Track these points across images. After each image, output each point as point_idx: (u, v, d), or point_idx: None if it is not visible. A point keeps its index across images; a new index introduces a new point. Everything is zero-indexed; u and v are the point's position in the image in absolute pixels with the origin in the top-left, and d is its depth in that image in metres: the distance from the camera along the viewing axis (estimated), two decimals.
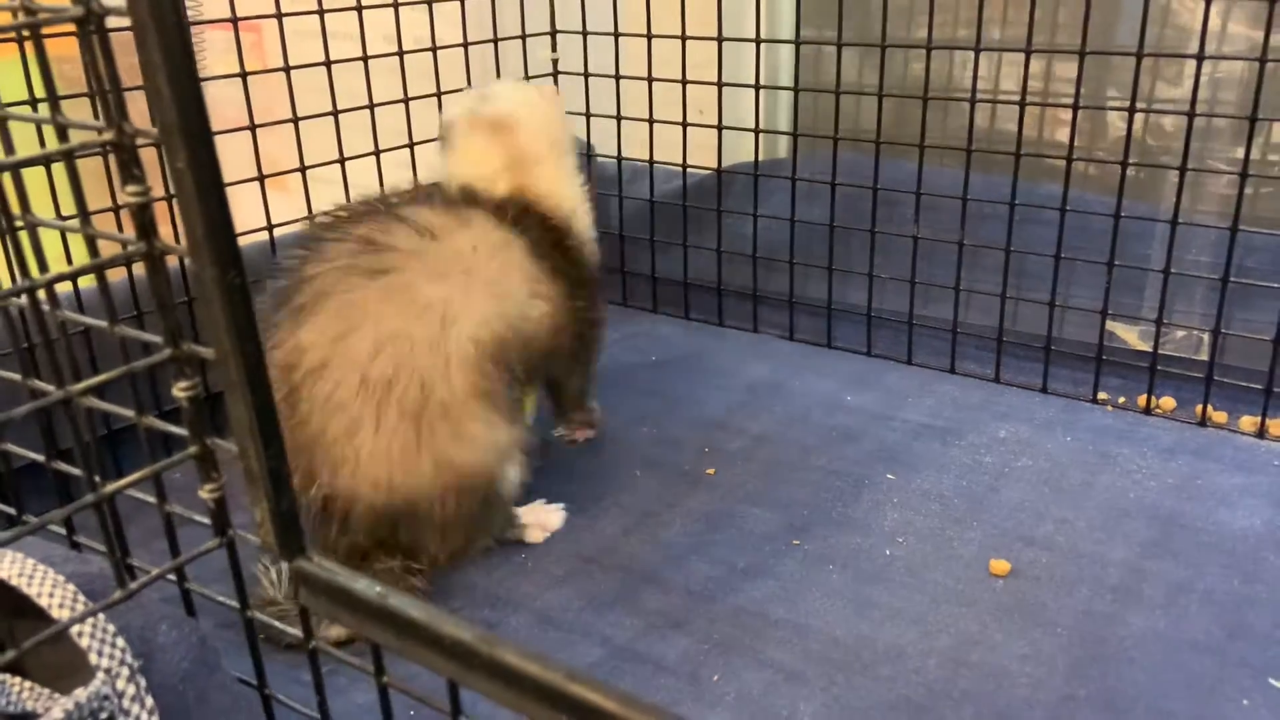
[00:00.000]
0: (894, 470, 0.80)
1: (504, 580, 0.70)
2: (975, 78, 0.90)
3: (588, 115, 1.13)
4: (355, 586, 0.36)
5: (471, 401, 0.66)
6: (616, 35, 1.06)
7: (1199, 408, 0.88)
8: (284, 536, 0.39)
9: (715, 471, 0.81)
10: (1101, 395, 0.92)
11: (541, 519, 0.75)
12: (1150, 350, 0.89)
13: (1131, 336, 0.93)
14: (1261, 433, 0.85)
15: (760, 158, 1.07)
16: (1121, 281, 0.89)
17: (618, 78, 1.08)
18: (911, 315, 0.99)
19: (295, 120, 0.90)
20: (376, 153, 0.97)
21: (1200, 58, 0.79)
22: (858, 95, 0.96)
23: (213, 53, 1.27)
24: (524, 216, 0.75)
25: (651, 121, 1.08)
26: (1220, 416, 0.87)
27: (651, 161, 1.10)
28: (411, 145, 1.00)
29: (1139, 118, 0.83)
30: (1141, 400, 0.90)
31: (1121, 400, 0.91)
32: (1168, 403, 0.90)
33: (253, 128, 0.87)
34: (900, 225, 0.97)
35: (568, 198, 0.81)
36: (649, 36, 1.04)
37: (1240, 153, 0.80)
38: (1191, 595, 0.64)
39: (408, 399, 0.64)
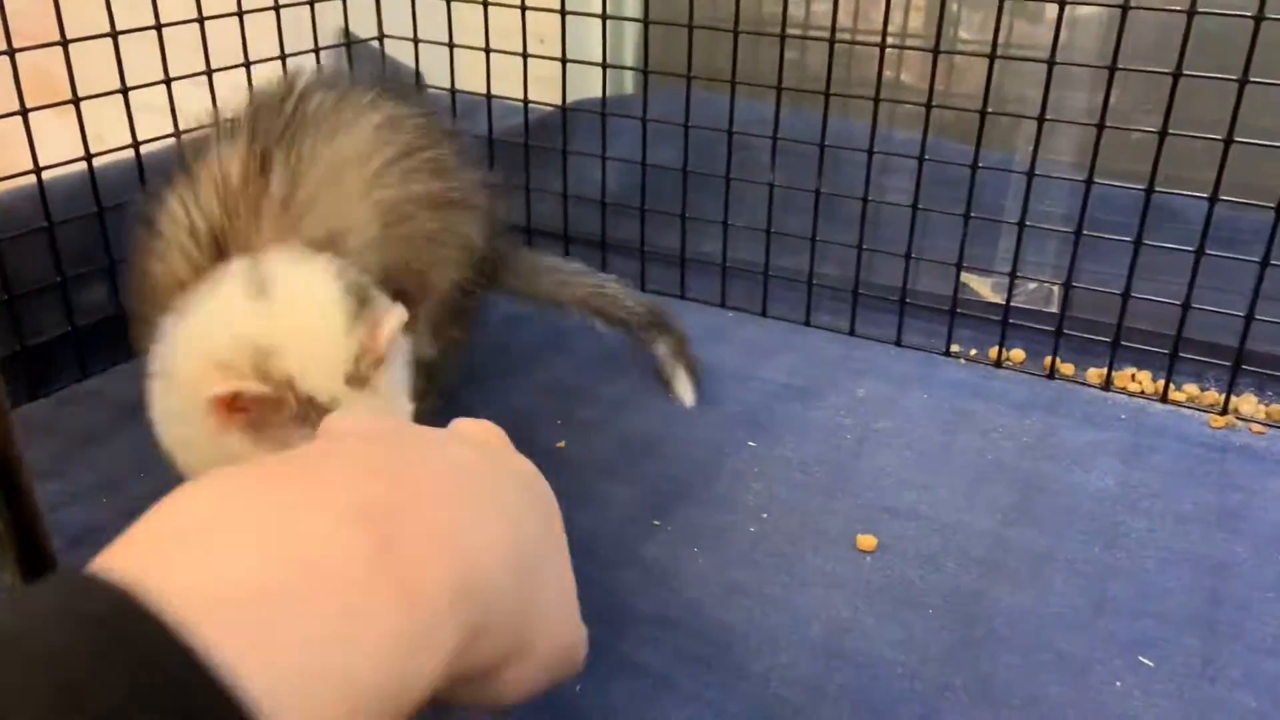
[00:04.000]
0: (755, 437, 0.76)
1: None
2: (835, 16, 0.85)
3: (415, 41, 1.02)
4: None
5: None
6: None
7: (1048, 360, 0.88)
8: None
9: (566, 444, 0.75)
10: (954, 348, 0.91)
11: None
12: (1003, 303, 0.88)
13: (984, 289, 0.92)
14: (1107, 384, 0.85)
15: (607, 94, 0.99)
16: (976, 233, 0.87)
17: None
18: (767, 266, 0.95)
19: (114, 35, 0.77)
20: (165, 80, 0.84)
21: (1062, 1, 0.77)
22: (711, 31, 0.89)
23: None
24: None
25: (488, 51, 0.98)
26: (1068, 369, 0.88)
27: (489, 95, 1.00)
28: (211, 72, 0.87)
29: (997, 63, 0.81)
30: (993, 353, 0.90)
31: (973, 353, 0.90)
32: (1018, 355, 0.90)
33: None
34: (756, 171, 0.92)
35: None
36: None
37: (1098, 101, 0.78)
38: (1055, 566, 0.63)
39: None
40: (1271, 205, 0.75)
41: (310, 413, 0.51)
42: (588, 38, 0.99)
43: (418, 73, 1.04)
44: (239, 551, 0.27)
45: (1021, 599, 0.61)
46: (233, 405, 0.51)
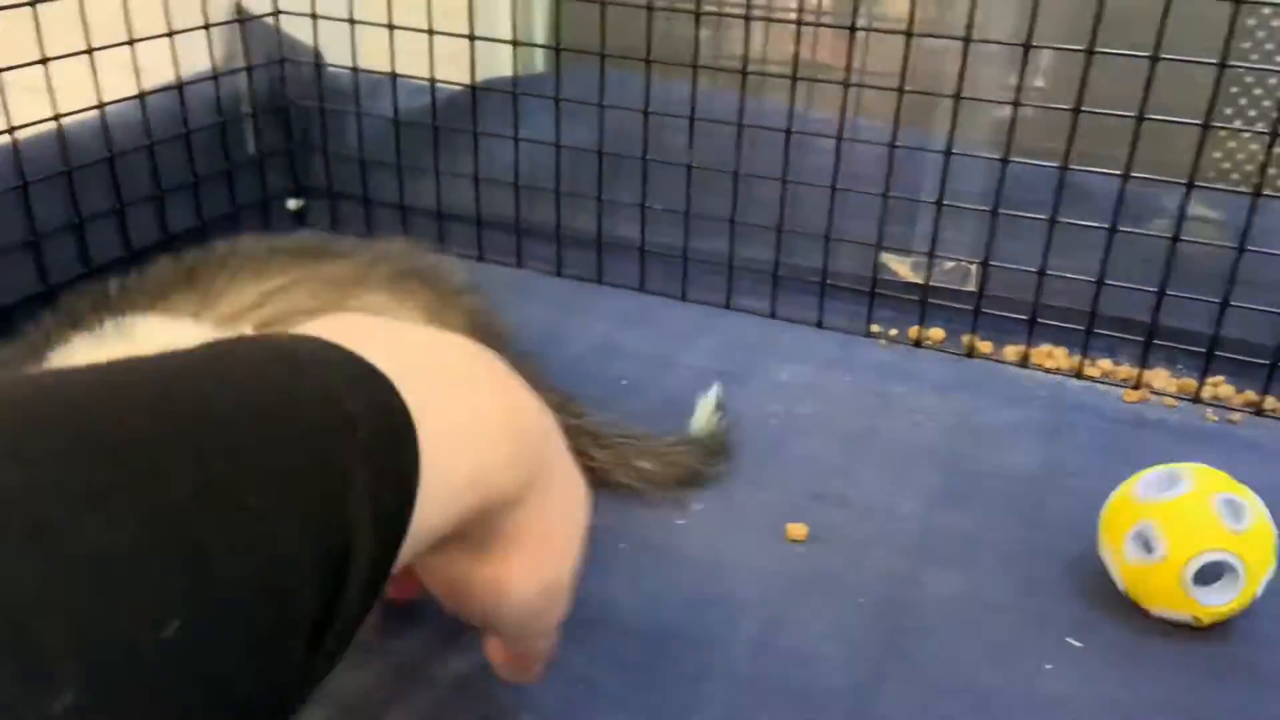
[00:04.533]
0: (679, 426, 0.75)
1: None
2: None
3: (314, 17, 0.97)
4: None
5: None
6: None
7: (967, 338, 0.88)
8: None
9: None
10: (874, 328, 0.90)
11: None
12: (922, 282, 0.88)
13: (904, 268, 0.92)
14: (1024, 362, 0.86)
15: (520, 73, 0.96)
16: (895, 212, 0.87)
17: None
18: (686, 249, 0.93)
19: None
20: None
21: None
22: (625, 7, 0.87)
23: None
24: None
25: (391, 27, 0.93)
26: (986, 347, 0.88)
27: (394, 74, 0.96)
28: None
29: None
30: (913, 332, 0.90)
31: (893, 333, 0.90)
32: (937, 334, 0.90)
33: None
34: (673, 152, 0.90)
35: None
36: None
37: (1013, 79, 0.78)
38: (982, 549, 0.63)
39: None
40: (1183, 181, 0.76)
41: None
42: (497, 14, 0.95)
43: (316, 51, 0.99)
44: (409, 340, 0.37)
45: (950, 584, 0.60)
46: None
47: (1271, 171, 0.82)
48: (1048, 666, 0.54)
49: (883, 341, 0.89)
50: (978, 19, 0.78)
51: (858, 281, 0.90)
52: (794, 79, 0.84)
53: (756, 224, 0.90)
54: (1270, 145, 0.74)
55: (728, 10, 0.85)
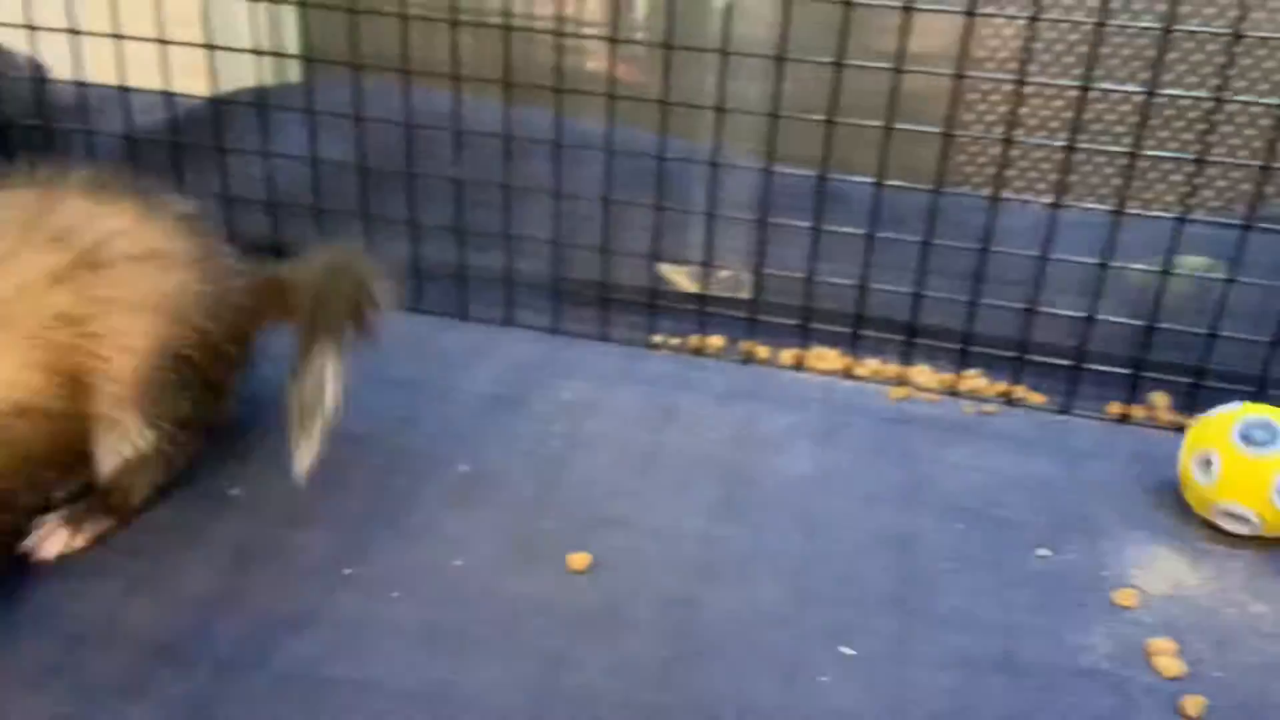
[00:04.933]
0: (457, 456, 0.72)
1: None
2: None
3: (31, 28, 0.87)
4: None
5: None
6: None
7: (744, 345, 0.89)
8: None
9: (239, 490, 0.67)
10: (656, 339, 0.90)
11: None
12: (699, 292, 0.89)
13: (681, 278, 0.92)
14: (800, 365, 0.88)
15: (272, 84, 0.90)
16: (669, 223, 0.87)
17: None
18: (463, 266, 0.90)
19: None
20: None
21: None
22: (377, 15, 0.82)
23: None
24: None
25: (119, 37, 0.85)
26: (763, 352, 0.90)
27: (123, 88, 0.88)
28: None
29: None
30: (693, 341, 0.90)
31: (675, 342, 0.91)
32: (716, 342, 0.91)
33: None
34: (440, 166, 0.87)
35: None
36: None
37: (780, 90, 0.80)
38: (760, 562, 0.64)
39: None
40: (929, 188, 0.80)
41: None
42: (237, 20, 0.89)
43: (37, 65, 0.90)
44: None
45: (730, 602, 0.60)
46: None
47: (1011, 173, 0.87)
48: (822, 678, 0.55)
49: (664, 352, 0.90)
50: (738, 32, 0.79)
51: (637, 293, 0.90)
52: (558, 90, 0.83)
53: (533, 237, 0.88)
54: (1005, 151, 0.79)
55: (489, 20, 0.82)
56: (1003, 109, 0.88)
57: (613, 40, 0.81)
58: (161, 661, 0.54)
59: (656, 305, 0.90)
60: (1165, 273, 0.78)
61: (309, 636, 0.56)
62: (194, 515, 0.64)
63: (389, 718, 0.51)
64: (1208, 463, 0.67)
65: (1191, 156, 0.78)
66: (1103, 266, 0.79)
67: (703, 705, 0.53)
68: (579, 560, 0.63)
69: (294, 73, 1.01)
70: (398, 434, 0.74)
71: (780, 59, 0.78)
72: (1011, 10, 0.85)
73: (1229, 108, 0.82)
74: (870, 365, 0.88)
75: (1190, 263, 0.80)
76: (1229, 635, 0.60)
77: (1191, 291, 0.81)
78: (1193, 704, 0.54)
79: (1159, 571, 0.65)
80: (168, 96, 0.88)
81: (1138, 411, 0.83)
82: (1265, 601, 0.63)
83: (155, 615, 0.57)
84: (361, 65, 0.84)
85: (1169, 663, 0.57)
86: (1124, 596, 0.62)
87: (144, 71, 0.87)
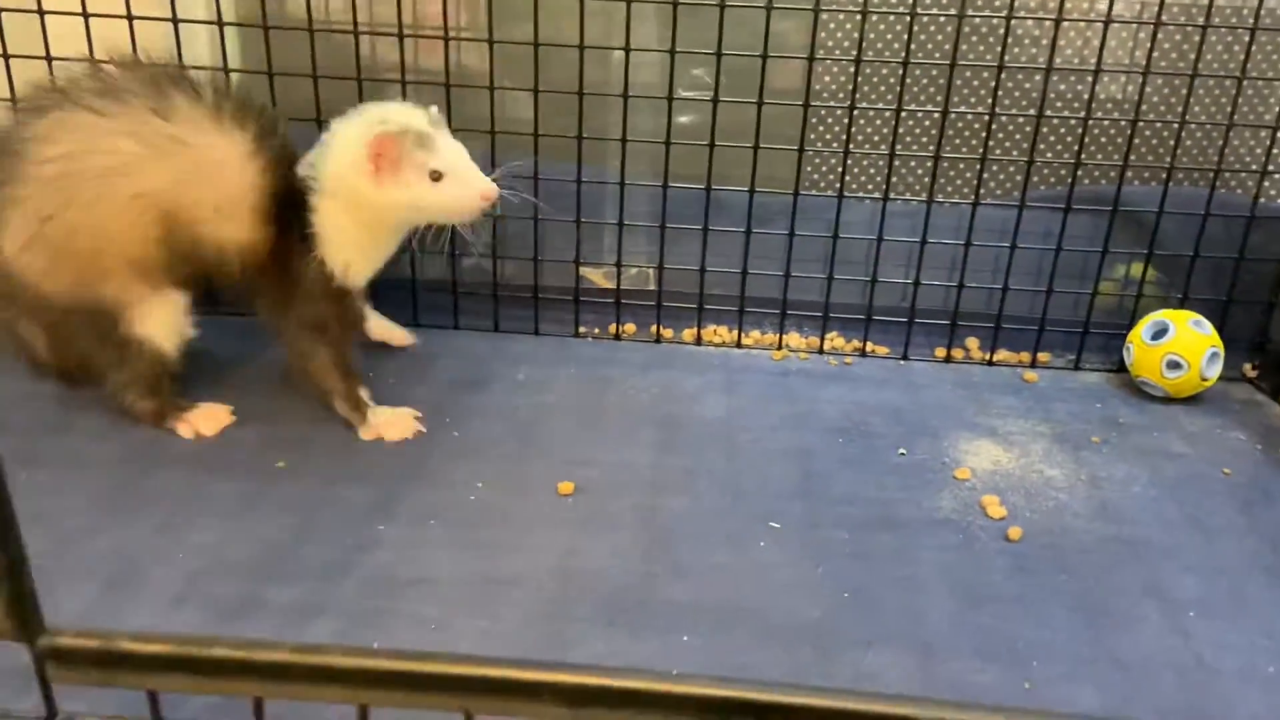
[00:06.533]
0: (449, 427, 0.90)
1: (120, 606, 0.65)
2: (355, 10, 0.98)
3: None
4: (119, 645, 0.37)
5: (120, 248, 0.79)
6: None
7: (653, 328, 1.10)
8: (25, 619, 0.38)
9: (284, 462, 0.83)
10: (582, 329, 1.10)
11: (200, 418, 0.87)
12: (614, 288, 1.09)
13: (599, 278, 1.12)
14: (699, 341, 1.10)
15: None
16: (587, 234, 1.07)
17: None
18: (414, 280, 1.07)
19: None
20: None
21: (627, 50, 0.98)
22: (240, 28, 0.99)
23: None
24: (283, 179, 0.84)
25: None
26: (669, 333, 1.11)
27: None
28: None
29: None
30: (612, 329, 1.11)
31: (597, 331, 1.11)
32: (630, 328, 1.12)
33: None
34: None
35: (337, 240, 0.85)
36: None
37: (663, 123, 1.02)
38: (699, 478, 0.85)
39: (62, 224, 0.78)
40: (789, 192, 1.03)
41: (420, 139, 0.82)
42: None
43: None
44: None
45: (684, 505, 0.81)
46: (379, 151, 0.80)
47: (848, 177, 1.12)
48: (761, 544, 0.76)
49: (590, 339, 1.09)
50: (634, 79, 1.00)
51: (563, 293, 1.09)
52: (492, 133, 1.02)
53: (472, 253, 1.07)
54: (845, 159, 1.04)
55: (336, 26, 0.99)
56: (838, 129, 1.12)
57: (536, 90, 1.01)
58: (269, 581, 0.70)
59: (581, 301, 1.10)
60: (968, 245, 1.04)
61: (377, 554, 0.73)
62: (252, 486, 0.80)
63: (450, 598, 0.69)
64: (1129, 350, 1.02)
65: (978, 157, 1.04)
66: (922, 244, 1.04)
67: (679, 570, 0.73)
68: (566, 487, 0.82)
69: None
70: (360, 456, 0.91)
71: (670, 98, 1.00)
72: (838, 54, 1.10)
73: (1001, 119, 1.10)
74: (754, 335, 1.11)
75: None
76: (1033, 490, 0.85)
77: (985, 257, 1.08)
78: (1014, 533, 0.78)
79: (983, 455, 0.90)
80: None
81: (957, 353, 1.09)
82: (1055, 468, 0.88)
83: (253, 552, 0.72)
84: (274, 74, 1.00)
85: (996, 509, 0.81)
86: (961, 473, 0.86)
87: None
